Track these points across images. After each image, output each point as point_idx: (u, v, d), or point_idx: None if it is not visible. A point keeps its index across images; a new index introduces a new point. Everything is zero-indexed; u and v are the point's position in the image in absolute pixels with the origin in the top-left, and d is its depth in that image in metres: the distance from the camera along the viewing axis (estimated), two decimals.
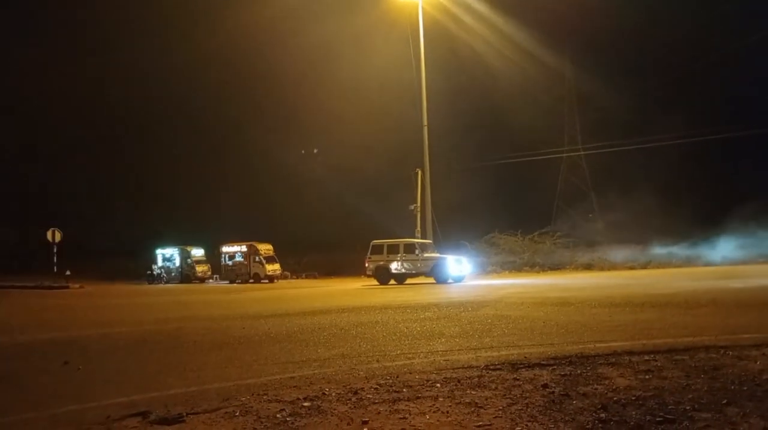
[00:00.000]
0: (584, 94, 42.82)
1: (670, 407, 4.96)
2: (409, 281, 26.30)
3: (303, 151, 50.63)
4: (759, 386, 5.51)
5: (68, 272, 31.99)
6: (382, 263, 26.38)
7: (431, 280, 25.50)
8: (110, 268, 39.50)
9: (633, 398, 5.26)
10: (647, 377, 6.03)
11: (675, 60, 42.79)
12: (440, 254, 27.04)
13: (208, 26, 48.69)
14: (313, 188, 44.52)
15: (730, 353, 7.00)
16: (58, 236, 32.46)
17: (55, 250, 32.60)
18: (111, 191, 49.99)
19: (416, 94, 32.00)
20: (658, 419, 4.66)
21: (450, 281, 24.95)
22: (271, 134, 46.83)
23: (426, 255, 26.19)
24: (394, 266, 26.28)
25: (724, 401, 5.05)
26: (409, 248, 26.45)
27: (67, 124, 50.66)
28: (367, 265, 26.85)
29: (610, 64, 41.77)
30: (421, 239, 30.04)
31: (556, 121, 44.09)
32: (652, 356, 7.01)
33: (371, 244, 26.98)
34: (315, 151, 49.98)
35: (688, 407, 4.92)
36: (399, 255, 26.24)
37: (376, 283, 26.20)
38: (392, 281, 26.20)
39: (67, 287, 31.12)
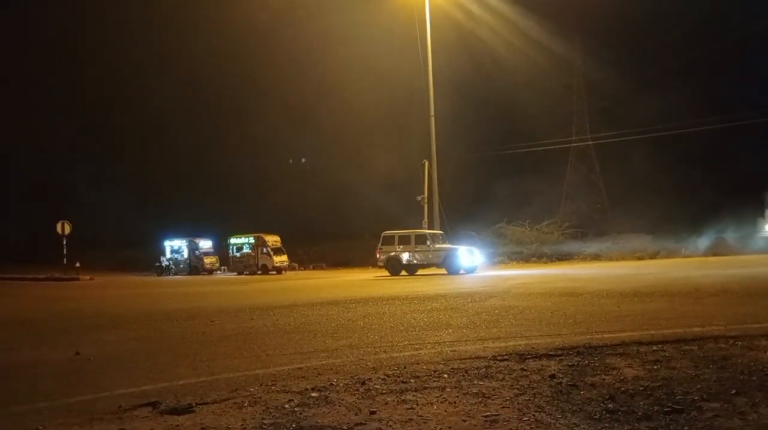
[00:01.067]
0: (593, 83, 42.50)
1: (678, 397, 4.96)
2: (420, 272, 26.26)
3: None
4: None
5: (78, 264, 32.23)
6: (393, 253, 26.27)
7: (443, 271, 25.42)
8: (118, 260, 39.73)
9: (641, 388, 5.26)
10: (655, 367, 6.02)
11: (686, 48, 42.36)
12: (452, 244, 26.92)
13: (213, 17, 48.71)
14: (320, 179, 44.50)
15: (740, 343, 6.98)
16: (67, 229, 32.68)
17: (64, 242, 32.84)
18: (118, 184, 50.21)
19: (423, 85, 31.90)
20: (666, 409, 4.65)
21: (462, 272, 24.78)
22: (277, 125, 46.82)
23: (437, 246, 26.06)
24: (406, 257, 26.15)
25: (733, 391, 5.04)
26: (421, 239, 26.31)
27: (73, 117, 50.97)
28: (378, 256, 26.76)
29: (619, 52, 41.40)
30: (429, 229, 29.96)
31: (565, 110, 43.81)
32: (661, 346, 7.00)
33: (382, 235, 26.86)
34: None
35: (696, 397, 4.92)
36: (410, 246, 26.15)
37: (387, 274, 26.15)
38: (403, 272, 26.13)
39: (77, 279, 31.31)
